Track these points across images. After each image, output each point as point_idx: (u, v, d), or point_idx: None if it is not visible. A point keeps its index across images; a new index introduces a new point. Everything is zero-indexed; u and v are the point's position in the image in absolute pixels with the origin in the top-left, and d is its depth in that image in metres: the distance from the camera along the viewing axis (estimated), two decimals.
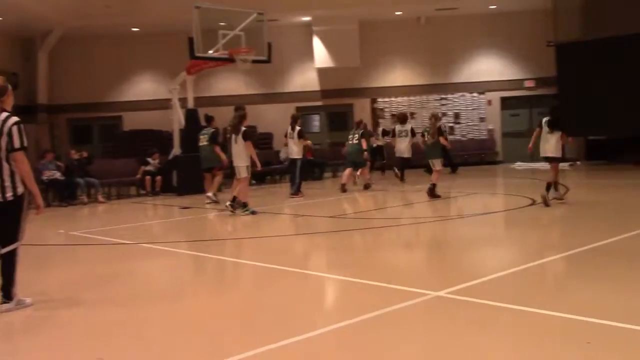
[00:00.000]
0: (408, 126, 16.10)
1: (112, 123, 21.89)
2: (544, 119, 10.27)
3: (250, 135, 10.90)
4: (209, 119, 13.62)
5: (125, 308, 5.03)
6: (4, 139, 4.85)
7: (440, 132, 12.02)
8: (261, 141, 21.04)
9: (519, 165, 19.52)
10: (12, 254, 4.96)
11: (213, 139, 13.16)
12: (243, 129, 10.69)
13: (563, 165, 18.67)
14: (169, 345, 4.11)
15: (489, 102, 21.70)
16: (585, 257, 6.05)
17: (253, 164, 10.75)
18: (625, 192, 11.40)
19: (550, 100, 20.11)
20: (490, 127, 21.71)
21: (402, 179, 15.60)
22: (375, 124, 21.81)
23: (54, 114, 21.34)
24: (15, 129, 4.88)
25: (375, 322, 4.24)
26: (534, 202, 10.34)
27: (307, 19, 20.94)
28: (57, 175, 14.34)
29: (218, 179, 13.31)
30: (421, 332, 4.09)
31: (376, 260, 6.62)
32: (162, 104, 17.78)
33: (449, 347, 3.74)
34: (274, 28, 17.46)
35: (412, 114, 21.45)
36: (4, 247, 4.92)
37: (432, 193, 11.48)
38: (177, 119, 16.25)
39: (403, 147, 15.83)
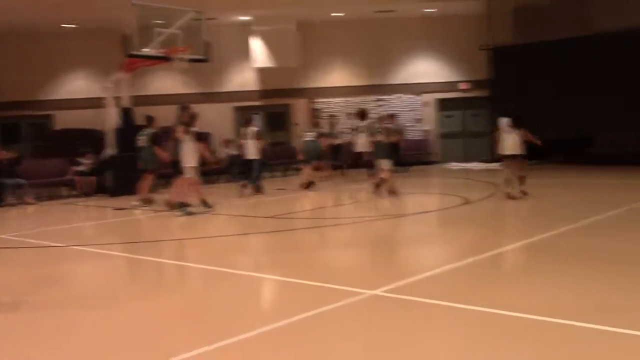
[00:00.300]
0: (366, 122, 16.22)
1: (43, 122, 21.15)
2: (502, 120, 10.75)
3: (201, 135, 11.05)
4: (150, 120, 13.25)
5: (59, 311, 4.89)
6: None
7: (393, 132, 12.61)
8: (199, 141, 20.78)
9: (454, 165, 20.01)
10: None
11: (153, 140, 12.80)
12: (194, 129, 10.77)
13: (495, 165, 19.30)
14: (105, 348, 4.02)
15: (425, 104, 22.11)
16: (515, 255, 6.25)
17: (204, 163, 10.95)
18: (554, 191, 11.83)
19: (483, 102, 20.70)
20: (426, 128, 22.12)
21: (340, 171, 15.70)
22: (315, 124, 21.90)
23: None
24: None
25: (312, 322, 4.27)
26: (467, 202, 10.62)
27: (246, 18, 20.81)
28: None
29: (147, 182, 12.94)
30: (357, 330, 4.13)
31: (313, 260, 6.65)
32: (96, 103, 17.29)
33: (384, 345, 3.80)
34: (212, 27, 17.27)
35: (349, 114, 21.63)
36: None
37: (378, 189, 11.83)
38: (111, 118, 15.88)
39: (360, 142, 15.91)
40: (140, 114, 14.33)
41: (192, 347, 3.79)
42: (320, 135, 14.78)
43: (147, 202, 12.40)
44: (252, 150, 13.49)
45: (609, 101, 16.02)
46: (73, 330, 4.46)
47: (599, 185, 13.10)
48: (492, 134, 11.15)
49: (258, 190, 13.62)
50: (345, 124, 19.75)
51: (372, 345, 3.80)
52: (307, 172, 14.50)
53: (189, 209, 10.55)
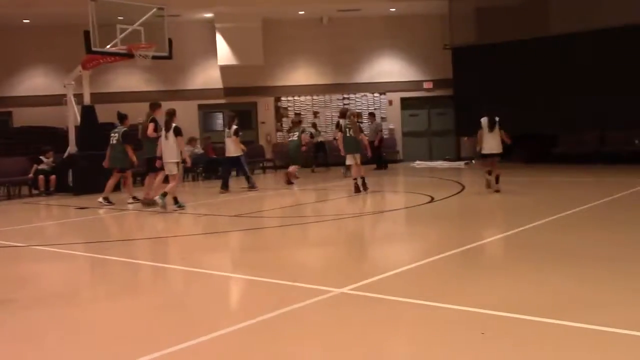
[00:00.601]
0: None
1: (1, 119, 20.69)
2: (484, 120, 11.40)
3: (181, 131, 11.01)
4: (122, 117, 12.77)
5: (22, 312, 4.77)
6: None
7: (361, 129, 13.19)
8: None
9: (417, 164, 20.18)
10: None
11: (125, 138, 12.35)
12: (174, 125, 10.81)
13: (459, 164, 19.55)
14: (69, 348, 3.94)
15: (390, 102, 22.26)
16: (480, 251, 6.33)
17: (184, 160, 11.11)
18: (515, 190, 12.02)
19: (447, 100, 20.95)
20: (391, 126, 22.26)
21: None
22: (279, 122, 21.95)
23: None
24: None
25: (278, 321, 4.26)
26: (432, 200, 10.73)
27: (209, 15, 20.65)
28: None
29: (113, 181, 12.53)
30: (324, 329, 4.13)
31: (282, 259, 6.64)
32: (56, 100, 16.95)
33: (351, 343, 3.81)
34: (175, 24, 17.09)
35: (315, 112, 21.66)
36: None
37: (364, 186, 12.24)
38: (72, 116, 15.59)
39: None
40: (102, 111, 14.10)
41: (158, 348, 3.74)
42: (302, 133, 15.36)
43: (149, 203, 11.54)
44: (232, 148, 13.71)
45: (571, 101, 16.35)
46: (36, 330, 4.36)
47: (567, 182, 13.37)
48: (468, 135, 11.72)
49: (225, 188, 13.62)
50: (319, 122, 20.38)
51: (335, 344, 3.80)
52: (293, 171, 15.07)
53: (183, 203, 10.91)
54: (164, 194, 10.68)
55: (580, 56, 16.57)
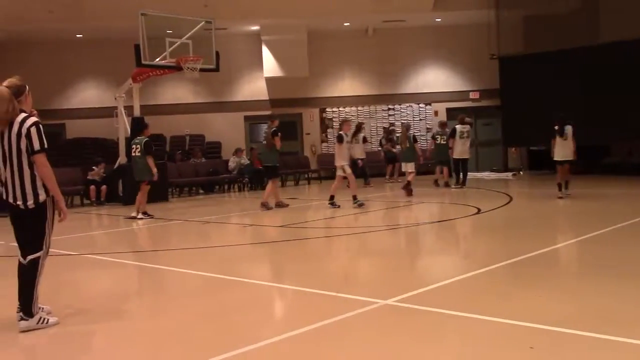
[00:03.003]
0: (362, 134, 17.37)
1: (55, 131, 21.28)
2: (557, 127, 11.71)
3: (342, 138, 12.05)
4: (143, 126, 12.44)
5: (66, 320, 4.89)
6: (23, 141, 4.50)
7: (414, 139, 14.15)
8: (209, 150, 20.88)
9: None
10: (34, 267, 4.55)
11: (147, 148, 11.88)
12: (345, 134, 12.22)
13: (506, 175, 19.23)
14: (124, 357, 4.01)
15: (436, 113, 22.08)
16: (528, 264, 6.20)
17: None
18: (564, 202, 11.75)
19: (493, 110, 20.68)
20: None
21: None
22: (324, 134, 22.03)
23: None
24: (34, 129, 4.51)
25: (324, 332, 4.25)
26: (479, 211, 10.57)
27: (255, 28, 20.91)
28: None
29: (141, 194, 12.04)
30: (368, 340, 4.10)
31: (327, 270, 6.63)
32: (107, 112, 17.41)
33: (396, 356, 3.77)
34: (222, 37, 17.37)
35: (360, 123, 21.64)
36: (25, 257, 4.56)
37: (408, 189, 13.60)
38: (122, 128, 15.95)
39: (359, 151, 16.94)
40: (152, 122, 14.32)
41: (202, 357, 3.78)
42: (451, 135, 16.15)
43: (282, 204, 12.52)
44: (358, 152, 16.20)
45: (622, 110, 15.94)
46: (81, 340, 4.46)
47: (618, 194, 13.01)
48: (550, 140, 12.09)
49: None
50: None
51: (379, 356, 3.77)
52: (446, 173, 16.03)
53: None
54: (354, 197, 11.86)
55: (631, 64, 16.15)
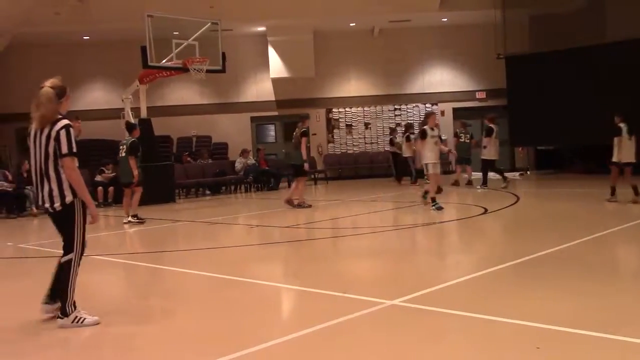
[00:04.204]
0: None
1: None
2: (624, 127, 10.70)
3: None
4: (131, 128, 12.11)
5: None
6: (52, 144, 4.56)
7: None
8: (216, 151, 20.92)
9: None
10: (67, 268, 4.61)
11: (131, 149, 11.37)
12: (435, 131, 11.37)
13: (513, 175, 19.19)
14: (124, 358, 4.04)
15: (442, 113, 22.06)
16: (534, 264, 6.19)
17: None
18: (572, 201, 11.71)
19: (500, 110, 20.63)
20: (443, 137, 22.02)
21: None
22: (331, 134, 22.04)
23: (1, 124, 20.75)
24: (63, 132, 4.56)
25: (331, 332, 4.26)
26: (486, 211, 10.56)
27: (261, 29, 20.94)
28: (5, 186, 13.95)
29: (137, 196, 11.53)
30: (375, 341, 4.11)
31: (332, 270, 6.64)
32: (114, 114, 17.48)
33: (403, 356, 3.78)
34: (228, 38, 17.41)
35: (367, 124, 21.68)
36: (62, 258, 4.67)
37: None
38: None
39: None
40: (158, 124, 14.42)
41: (209, 357, 3.80)
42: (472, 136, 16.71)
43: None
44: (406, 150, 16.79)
45: (630, 109, 15.84)
46: (89, 341, 4.49)
47: (623, 193, 12.93)
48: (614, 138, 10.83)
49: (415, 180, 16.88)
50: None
51: (386, 356, 3.78)
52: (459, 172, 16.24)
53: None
54: (427, 193, 11.23)
55: (638, 62, 16.07)
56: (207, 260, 7.83)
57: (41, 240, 9.75)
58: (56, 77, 4.83)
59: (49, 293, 4.83)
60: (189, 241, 9.77)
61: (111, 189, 15.55)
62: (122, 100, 16.15)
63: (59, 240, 4.79)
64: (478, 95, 22.00)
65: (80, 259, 4.72)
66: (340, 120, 22.15)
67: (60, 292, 4.66)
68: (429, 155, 10.92)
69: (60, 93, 4.73)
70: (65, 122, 4.62)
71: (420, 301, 4.87)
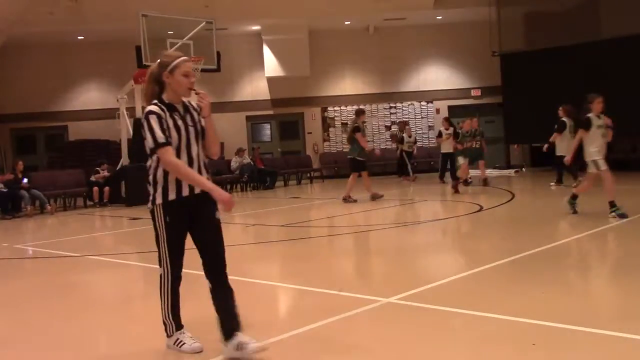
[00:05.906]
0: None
1: (57, 133, 21.37)
2: (568, 121, 10.90)
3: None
4: None
5: (73, 315, 4.91)
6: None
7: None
8: None
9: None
10: (160, 282, 4.10)
11: None
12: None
13: (509, 172, 19.23)
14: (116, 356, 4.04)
15: (437, 111, 22.09)
16: (529, 261, 6.21)
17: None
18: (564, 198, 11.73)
19: (495, 108, 20.68)
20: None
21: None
22: (326, 132, 22.05)
23: None
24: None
25: (327, 330, 4.26)
26: (481, 208, 10.58)
27: (256, 28, 20.93)
28: (0, 187, 13.93)
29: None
30: (371, 339, 4.12)
31: (327, 268, 6.65)
32: (109, 114, 17.46)
33: (399, 353, 3.79)
34: (223, 37, 17.40)
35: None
36: None
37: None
38: (124, 129, 16.00)
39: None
40: None
41: (207, 357, 3.81)
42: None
43: (348, 199, 12.54)
44: (446, 146, 16.09)
45: (624, 106, 15.90)
46: (82, 336, 4.49)
47: (621, 190, 12.97)
48: None
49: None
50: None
51: (382, 354, 3.79)
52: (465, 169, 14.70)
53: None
54: (575, 197, 9.26)
55: (633, 60, 16.12)
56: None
57: (37, 241, 9.75)
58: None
59: None
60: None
61: (107, 189, 15.52)
62: (117, 100, 16.14)
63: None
64: (473, 92, 22.03)
65: (168, 279, 4.14)
66: (335, 118, 22.15)
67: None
68: (593, 152, 8.63)
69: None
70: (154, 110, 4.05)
71: (416, 299, 4.88)
